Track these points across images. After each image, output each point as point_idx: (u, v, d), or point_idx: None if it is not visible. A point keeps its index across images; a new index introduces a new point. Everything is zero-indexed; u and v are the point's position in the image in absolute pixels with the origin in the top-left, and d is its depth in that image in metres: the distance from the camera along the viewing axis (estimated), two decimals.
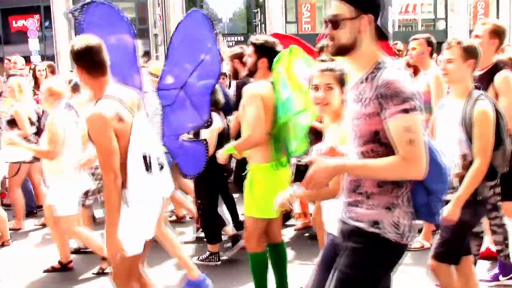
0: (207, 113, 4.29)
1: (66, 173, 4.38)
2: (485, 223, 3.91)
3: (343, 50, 2.07)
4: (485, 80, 3.70)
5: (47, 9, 25.59)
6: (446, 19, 26.18)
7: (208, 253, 4.79)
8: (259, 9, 26.49)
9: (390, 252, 2.10)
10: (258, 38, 3.75)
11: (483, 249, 4.38)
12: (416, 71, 5.22)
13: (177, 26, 4.30)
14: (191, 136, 4.54)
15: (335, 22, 2.03)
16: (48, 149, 4.34)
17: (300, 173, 2.12)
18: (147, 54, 12.06)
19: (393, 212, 2.05)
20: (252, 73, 3.74)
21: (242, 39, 23.17)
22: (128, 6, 29.19)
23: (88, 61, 2.87)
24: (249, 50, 3.75)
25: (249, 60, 3.73)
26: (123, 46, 4.02)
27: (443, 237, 3.14)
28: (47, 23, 26.58)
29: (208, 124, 4.38)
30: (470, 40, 3.12)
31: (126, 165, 2.82)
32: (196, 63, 4.21)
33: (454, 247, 3.12)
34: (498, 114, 3.01)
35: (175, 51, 4.28)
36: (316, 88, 2.90)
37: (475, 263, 3.85)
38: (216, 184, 4.88)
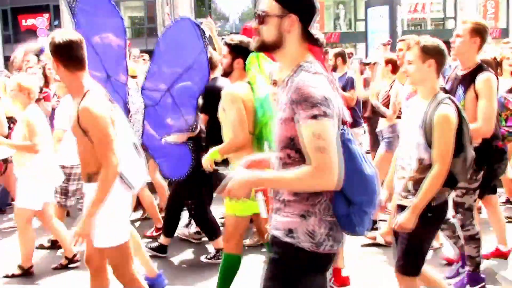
0: (193, 118, 4.30)
1: (34, 168, 4.38)
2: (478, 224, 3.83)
3: (265, 47, 2.04)
4: (467, 81, 3.61)
5: (57, 8, 25.81)
6: (455, 18, 25.93)
7: (214, 250, 4.75)
8: None
9: (307, 263, 1.98)
10: (233, 38, 3.70)
11: (492, 249, 4.39)
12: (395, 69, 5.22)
13: (164, 31, 4.38)
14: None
15: (262, 17, 2.00)
16: (33, 142, 4.34)
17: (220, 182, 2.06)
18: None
19: (308, 220, 1.95)
20: (227, 74, 3.71)
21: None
22: (137, 5, 29.35)
23: (67, 55, 2.89)
24: (224, 50, 3.72)
25: (224, 61, 3.68)
26: (113, 41, 4.09)
27: (401, 248, 2.99)
28: (56, 22, 26.81)
29: (193, 128, 4.36)
30: (431, 40, 2.98)
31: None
32: (183, 69, 4.24)
33: (413, 260, 2.96)
34: (461, 119, 2.88)
35: (161, 54, 4.33)
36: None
37: (478, 264, 3.78)
38: (202, 182, 4.83)
